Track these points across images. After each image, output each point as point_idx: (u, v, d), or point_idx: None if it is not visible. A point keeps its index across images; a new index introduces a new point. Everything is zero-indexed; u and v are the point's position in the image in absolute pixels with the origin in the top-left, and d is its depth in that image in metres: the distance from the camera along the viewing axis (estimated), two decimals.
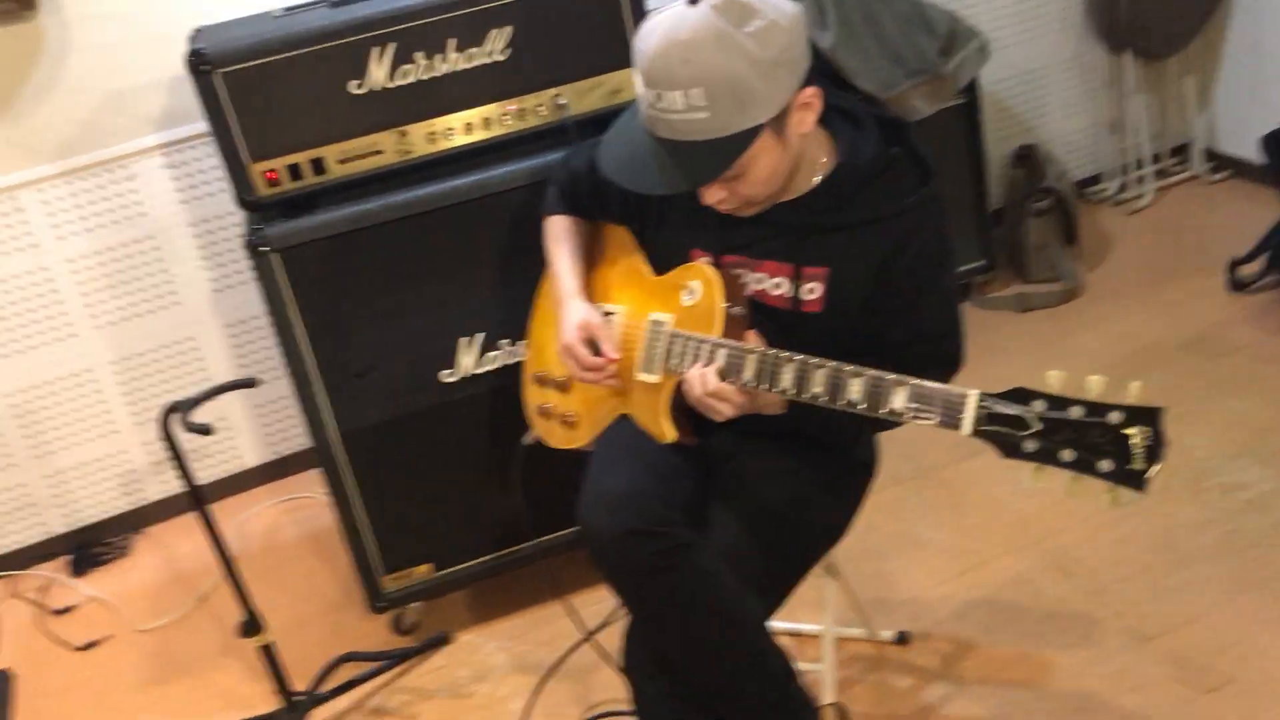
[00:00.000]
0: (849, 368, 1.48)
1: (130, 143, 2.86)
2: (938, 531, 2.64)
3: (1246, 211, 3.72)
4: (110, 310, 2.99)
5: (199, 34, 2.31)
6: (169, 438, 2.11)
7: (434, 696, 2.45)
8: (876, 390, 1.46)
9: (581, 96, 2.33)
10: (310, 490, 3.26)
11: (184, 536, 3.18)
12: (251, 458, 3.29)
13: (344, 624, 2.72)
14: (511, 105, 2.31)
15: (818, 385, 1.50)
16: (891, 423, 1.55)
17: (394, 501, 2.45)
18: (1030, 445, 1.36)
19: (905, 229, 1.61)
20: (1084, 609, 2.34)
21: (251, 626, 2.26)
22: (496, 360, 2.40)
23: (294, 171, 2.25)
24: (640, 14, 2.31)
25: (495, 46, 2.25)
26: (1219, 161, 4.02)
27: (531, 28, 2.25)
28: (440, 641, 2.58)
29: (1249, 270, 3.33)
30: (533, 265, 2.25)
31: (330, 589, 2.86)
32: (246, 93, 2.16)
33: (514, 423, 2.38)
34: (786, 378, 1.53)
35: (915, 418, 1.44)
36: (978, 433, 1.39)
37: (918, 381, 1.44)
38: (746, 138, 1.49)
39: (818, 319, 1.67)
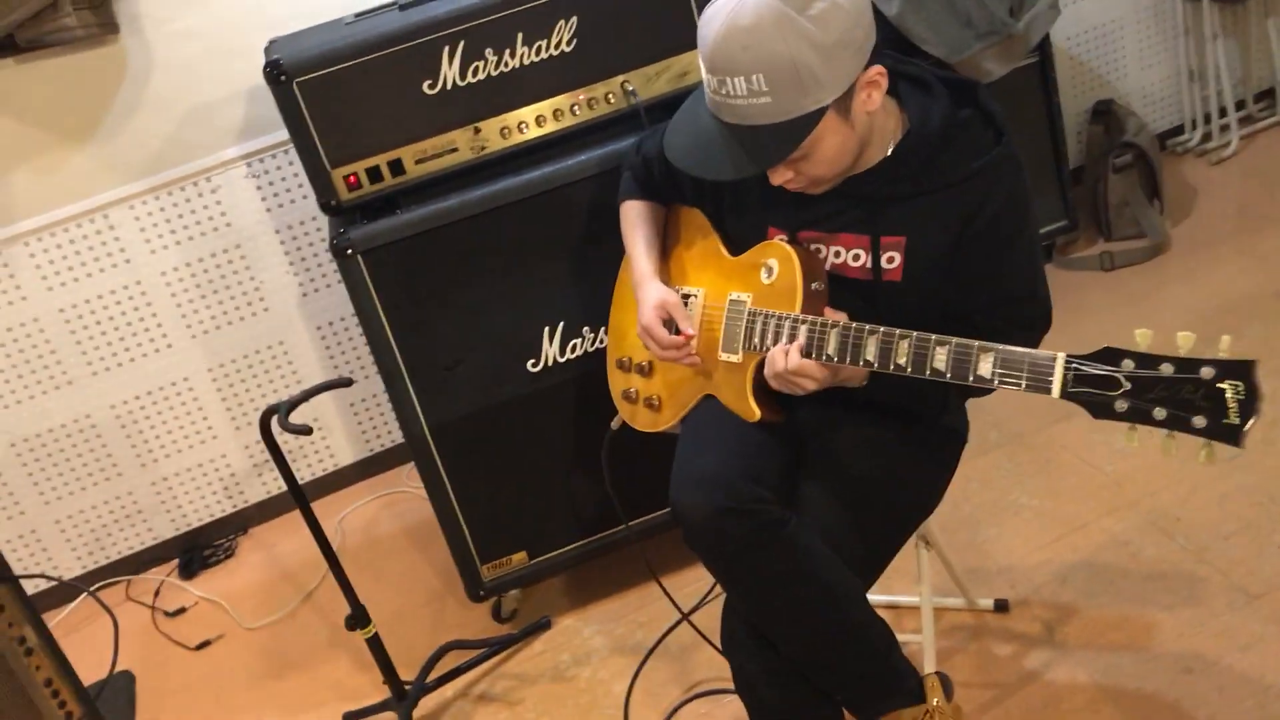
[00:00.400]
0: (933, 337, 1.48)
1: (213, 156, 2.94)
2: (1031, 497, 2.61)
3: None
4: (204, 320, 3.08)
5: (274, 45, 2.37)
6: (269, 439, 2.18)
7: (537, 682, 2.50)
8: (962, 358, 1.45)
9: (649, 82, 2.35)
10: (405, 484, 3.34)
11: (286, 535, 3.28)
12: (346, 455, 3.37)
13: (445, 614, 2.78)
14: (581, 95, 2.33)
15: (902, 356, 1.50)
16: (980, 390, 1.55)
17: (487, 492, 2.50)
18: (1122, 405, 1.35)
19: (981, 191, 1.60)
20: (1186, 568, 2.30)
21: (358, 619, 2.33)
22: (579, 348, 2.43)
23: (373, 174, 2.30)
24: None
25: (562, 38, 2.27)
26: None
27: (596, 16, 2.27)
28: (541, 627, 2.63)
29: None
30: (609, 252, 2.28)
31: (431, 580, 2.92)
32: (323, 100, 2.21)
33: (600, 408, 2.41)
34: (870, 350, 1.53)
35: (1003, 383, 1.43)
36: (1067, 395, 1.38)
37: (1004, 347, 1.43)
38: (811, 120, 1.50)
39: (899, 288, 1.67)
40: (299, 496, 2.25)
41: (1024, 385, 1.41)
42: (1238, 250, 3.31)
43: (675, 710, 2.31)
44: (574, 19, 2.26)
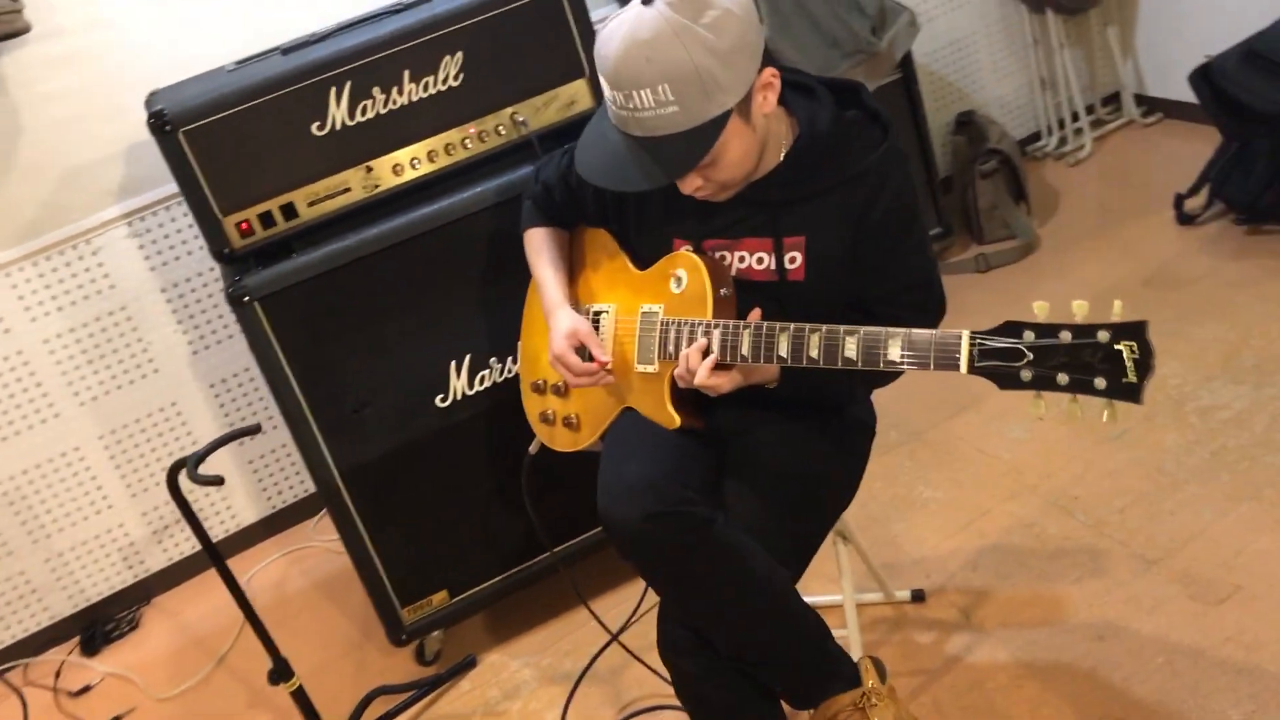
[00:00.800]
0: (842, 328, 1.54)
1: (92, 217, 2.88)
2: (936, 490, 2.70)
3: (1182, 149, 3.83)
4: (91, 385, 2.99)
5: (155, 96, 2.34)
6: (178, 495, 2.12)
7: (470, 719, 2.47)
8: (872, 345, 1.51)
9: (538, 112, 2.39)
10: (312, 538, 3.28)
11: (192, 601, 3.18)
12: (249, 514, 3.29)
13: (367, 662, 2.74)
14: (471, 128, 2.35)
15: (814, 349, 1.56)
16: (885, 375, 1.61)
17: (403, 533, 2.48)
18: (1026, 374, 1.42)
19: (873, 185, 1.68)
20: (1089, 542, 2.41)
21: (281, 673, 2.28)
22: (488, 379, 2.44)
23: (266, 219, 2.28)
24: (586, 25, 2.37)
25: (449, 73, 2.29)
26: (1149, 105, 4.14)
27: (482, 51, 2.30)
28: (467, 666, 2.60)
29: (1194, 204, 3.44)
30: (511, 282, 2.31)
31: (348, 630, 2.87)
32: (211, 147, 2.19)
33: (513, 438, 2.43)
34: (783, 346, 1.58)
35: (911, 364, 1.49)
36: (974, 370, 1.45)
37: (910, 330, 1.49)
38: (717, 125, 1.55)
39: (803, 287, 1.72)
40: (211, 551, 2.20)
41: (932, 364, 1.47)
42: (1104, 244, 3.49)
43: None
44: (459, 54, 2.29)
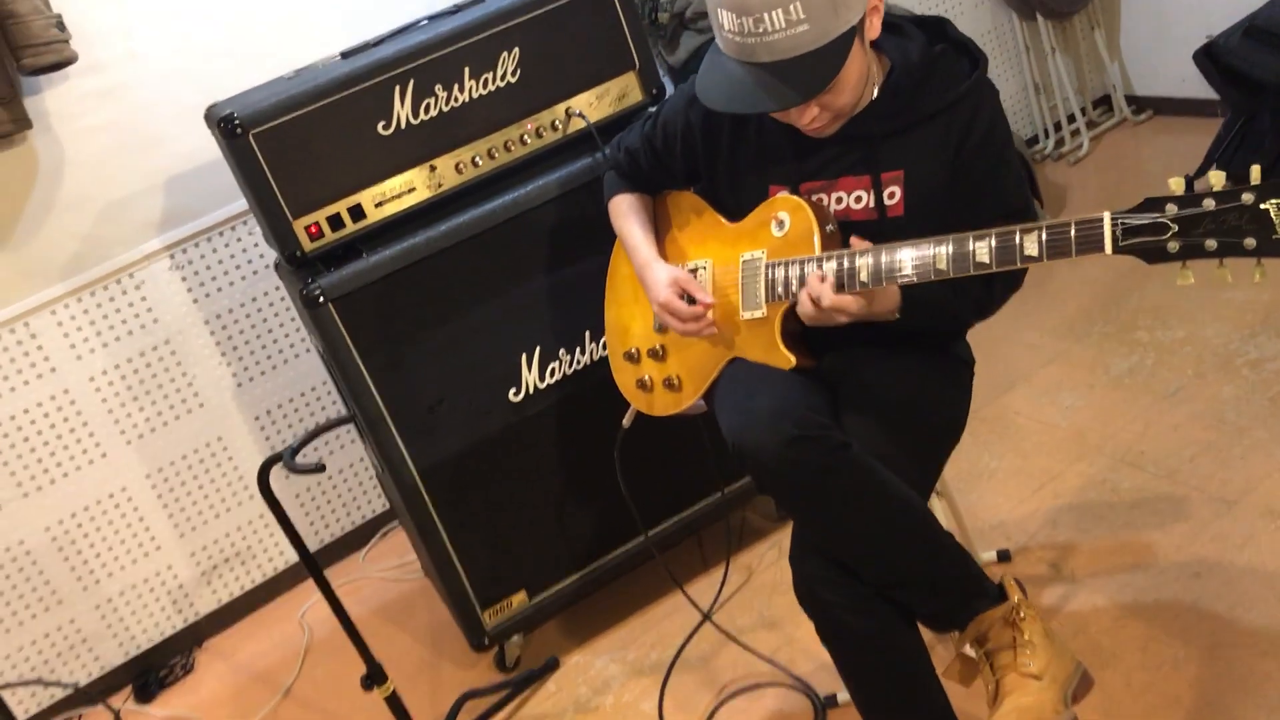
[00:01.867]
0: (970, 234, 1.56)
1: (134, 250, 2.87)
2: (1001, 460, 2.72)
3: (1178, 141, 3.95)
4: (138, 423, 2.96)
5: (217, 107, 2.35)
6: (269, 494, 2.10)
7: (561, 717, 2.43)
8: (1006, 244, 1.53)
9: (591, 106, 2.43)
10: (363, 570, 3.23)
11: (246, 641, 3.12)
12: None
13: (444, 677, 2.69)
14: (529, 124, 2.39)
15: (942, 262, 1.58)
16: (1008, 285, 1.66)
17: (481, 533, 2.46)
18: (1174, 245, 1.44)
19: (967, 114, 1.72)
20: (1166, 491, 2.43)
21: (374, 676, 2.23)
22: (559, 371, 2.44)
23: (334, 222, 2.29)
24: (635, 19, 2.43)
25: (507, 69, 2.33)
26: (1139, 104, 4.27)
27: (537, 46, 2.34)
28: (550, 668, 2.56)
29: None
30: (576, 273, 2.35)
31: (417, 651, 2.82)
32: (281, 150, 2.20)
33: (586, 430, 2.45)
34: (906, 265, 1.60)
35: (1053, 255, 1.51)
36: (1120, 249, 1.46)
37: (1049, 222, 1.52)
38: (845, 42, 1.58)
39: (903, 222, 1.75)
40: (304, 553, 2.16)
41: (1073, 250, 1.49)
42: None
43: (713, 713, 2.28)
44: (516, 50, 2.33)
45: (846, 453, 1.63)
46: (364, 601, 3.11)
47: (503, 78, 2.34)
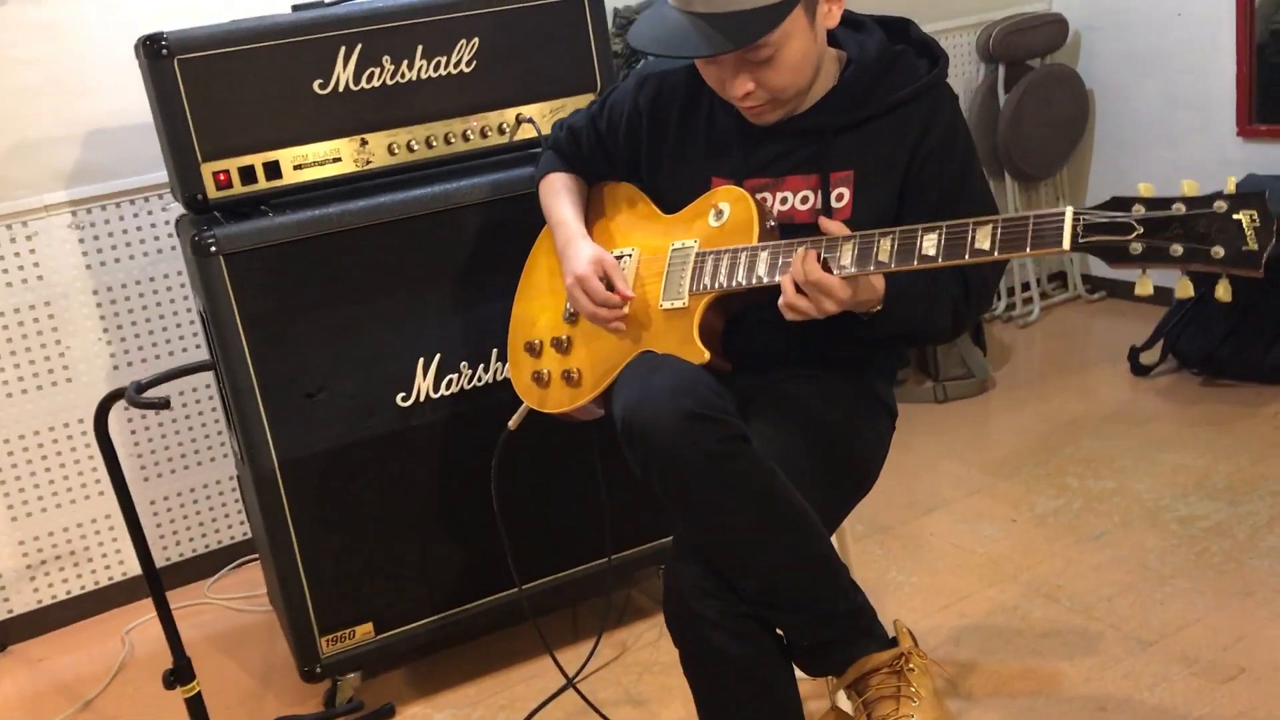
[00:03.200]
0: (920, 226, 1.43)
1: (36, 197, 2.68)
2: (909, 576, 2.54)
3: (1128, 324, 3.91)
4: None
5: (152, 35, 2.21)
6: (103, 434, 1.87)
7: None
8: (956, 236, 1.40)
9: (544, 118, 2.32)
10: (207, 596, 2.94)
11: (56, 651, 2.79)
12: (136, 564, 2.94)
13: (265, 712, 2.39)
14: (475, 121, 2.27)
15: (884, 253, 1.44)
16: (982, 287, 1.60)
17: (336, 547, 2.22)
18: (1137, 247, 1.32)
19: (926, 112, 1.62)
20: (1079, 624, 2.26)
21: (179, 674, 1.96)
22: (455, 384, 2.25)
23: (246, 174, 2.14)
24: (604, 40, 2.35)
25: (463, 57, 2.23)
26: (1094, 283, 4.27)
27: (498, 41, 2.25)
28: (387, 714, 2.29)
29: (1149, 357, 3.48)
30: (494, 284, 2.20)
31: (244, 681, 2.53)
32: (205, 84, 2.07)
33: (472, 457, 2.26)
34: (885, 249, 1.45)
35: (1006, 250, 1.38)
36: (1078, 246, 1.34)
37: (1005, 216, 1.39)
38: (784, 8, 1.50)
39: (849, 227, 1.62)
40: (131, 515, 1.92)
41: (1028, 245, 1.36)
42: (1059, 386, 3.49)
43: None
44: (475, 40, 2.23)
45: (744, 444, 1.47)
46: (199, 626, 2.81)
47: (456, 65, 2.23)
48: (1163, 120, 3.87)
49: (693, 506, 1.48)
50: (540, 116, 2.32)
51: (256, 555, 3.04)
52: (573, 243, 1.80)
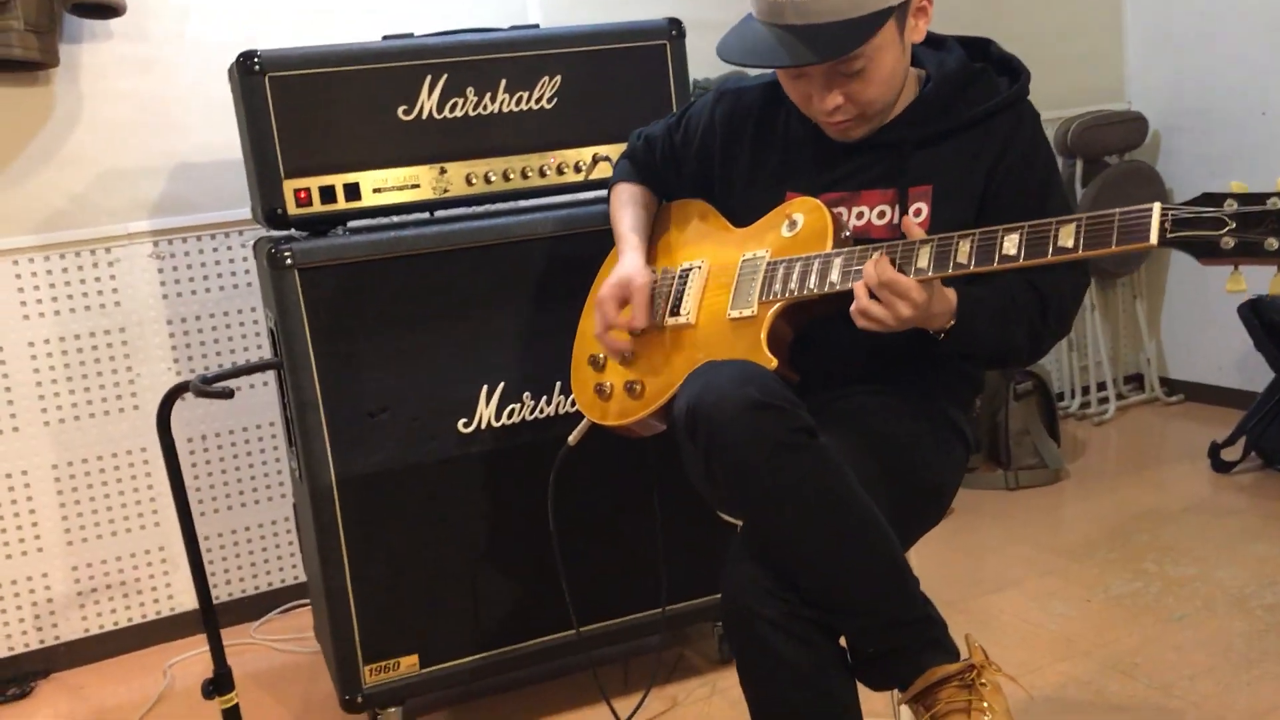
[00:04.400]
0: (1001, 227, 1.41)
1: (120, 225, 2.75)
2: None
3: (1207, 427, 3.80)
4: (64, 405, 2.75)
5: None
6: (165, 426, 1.88)
7: None
8: (1039, 234, 1.38)
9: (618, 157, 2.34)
10: (253, 637, 2.91)
11: (100, 682, 2.76)
12: (189, 600, 2.93)
13: None
14: (552, 158, 2.30)
15: (963, 254, 1.41)
16: (1060, 310, 1.57)
17: (387, 572, 2.19)
18: (1229, 242, 1.28)
19: (1007, 128, 1.61)
20: (1157, 700, 2.14)
21: (219, 683, 1.92)
22: (517, 414, 2.24)
23: (326, 194, 2.17)
24: (683, 83, 2.38)
25: (545, 93, 2.27)
26: (1171, 386, 4.17)
27: (580, 80, 2.29)
28: None
29: (1230, 454, 3.37)
30: (559, 316, 2.17)
31: (281, 715, 2.47)
32: (293, 102, 2.12)
33: (532, 489, 2.21)
34: (964, 250, 1.42)
35: (1091, 247, 1.34)
36: (1166, 241, 1.30)
37: (1089, 214, 1.36)
38: (879, 19, 1.50)
39: None
40: (187, 522, 1.91)
41: (1114, 240, 1.33)
42: (1136, 480, 3.39)
43: None
44: (558, 78, 2.28)
45: (814, 438, 1.43)
46: (242, 664, 2.76)
47: (537, 101, 2.27)
48: None
49: (756, 499, 1.43)
50: (616, 158, 2.34)
51: (307, 600, 3.01)
52: (622, 256, 1.82)
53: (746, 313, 1.64)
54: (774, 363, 1.57)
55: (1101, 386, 4.11)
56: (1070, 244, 1.36)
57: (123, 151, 2.74)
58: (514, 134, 2.26)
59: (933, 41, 1.70)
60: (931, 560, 2.90)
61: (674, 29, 2.36)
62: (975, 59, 1.68)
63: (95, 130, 2.71)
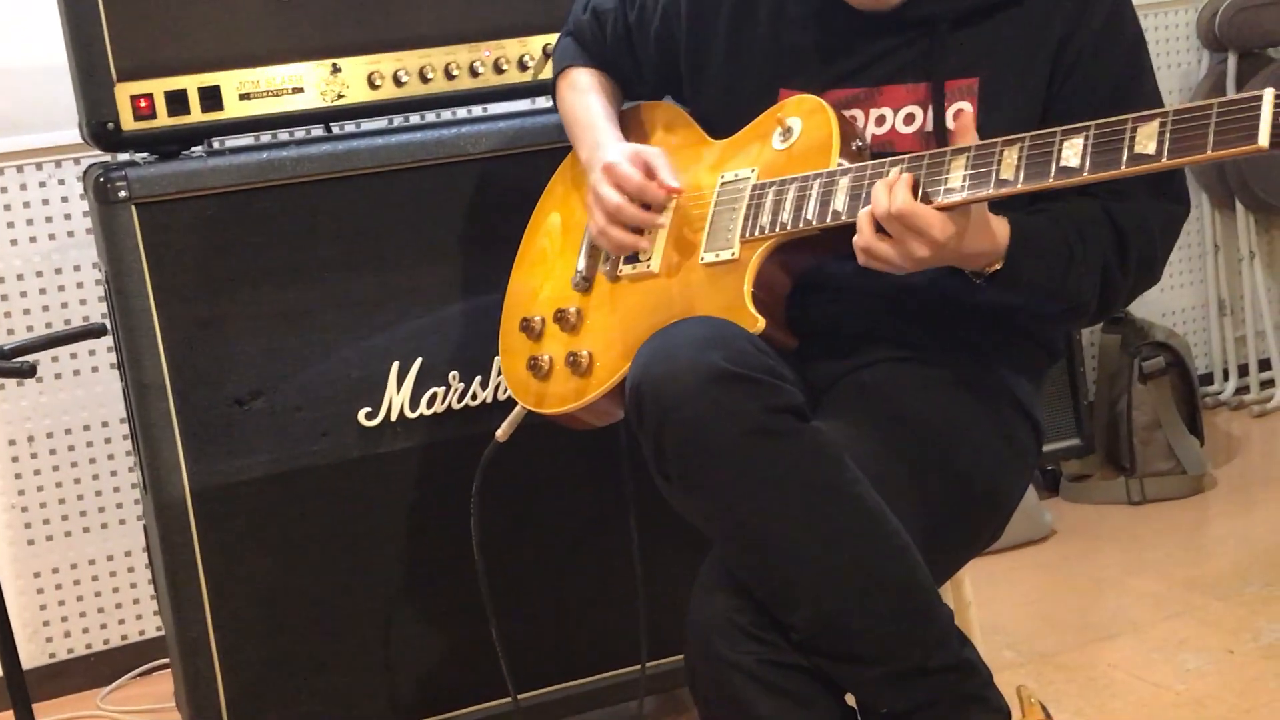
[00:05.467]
0: (1060, 129, 1.39)
1: None
2: (1074, 717, 2.43)
3: None
4: None
5: None
6: None
7: None
8: (1109, 137, 1.35)
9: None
10: (99, 708, 2.93)
11: None
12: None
13: None
14: (486, 50, 2.29)
15: (1010, 163, 1.39)
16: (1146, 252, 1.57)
17: (259, 615, 2.19)
18: None
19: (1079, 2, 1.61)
20: None
21: None
22: (440, 400, 2.23)
23: (176, 101, 2.17)
24: None
25: None
26: None
27: None
28: None
29: None
30: (501, 267, 2.16)
31: None
32: None
33: (461, 502, 2.20)
34: (1009, 162, 1.40)
35: (1178, 151, 1.32)
36: None
37: (1178, 106, 1.35)
38: None
39: None
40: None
41: (1210, 143, 1.30)
42: None
43: None
44: None
45: (799, 420, 1.43)
46: None
47: None
48: None
49: (722, 502, 1.43)
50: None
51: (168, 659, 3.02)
52: (603, 146, 1.80)
53: (725, 255, 1.64)
54: (760, 323, 1.56)
55: (1265, 365, 4.08)
56: (1151, 149, 1.33)
57: None
58: (436, 18, 2.26)
59: None
60: (1018, 599, 2.94)
61: None
62: None
63: None
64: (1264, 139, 1.28)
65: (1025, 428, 1.69)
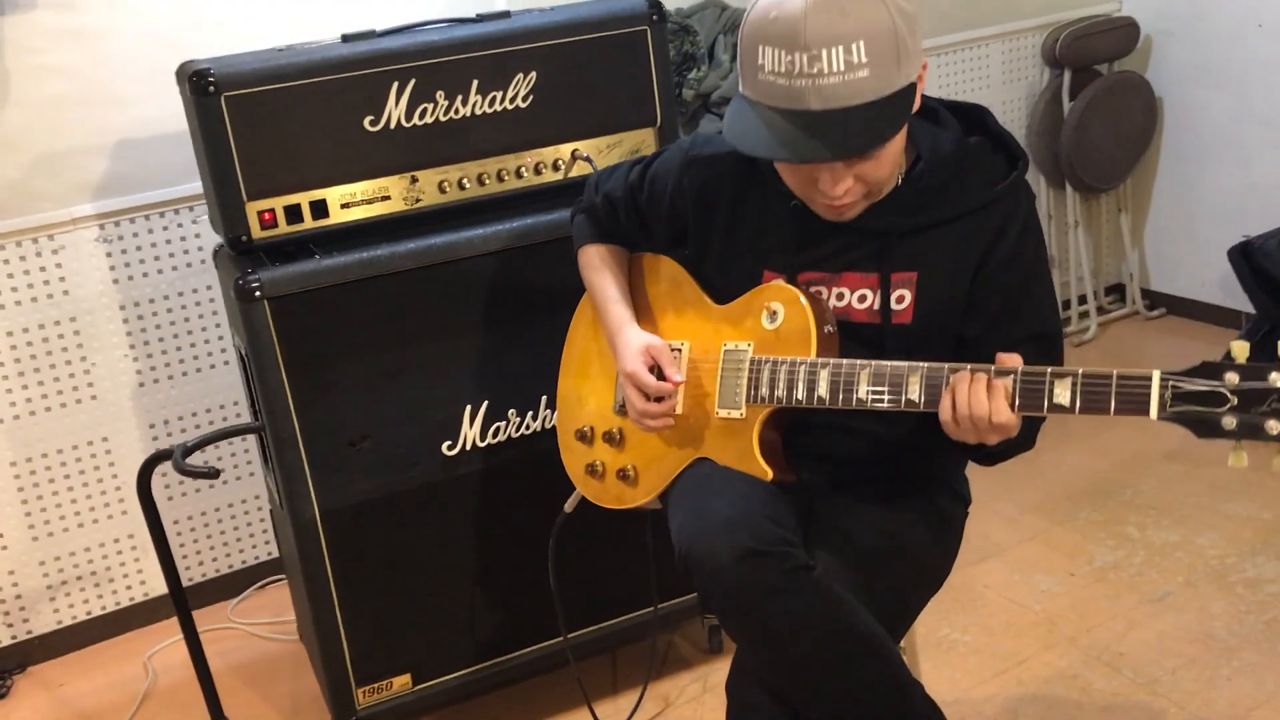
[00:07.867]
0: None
1: (63, 211, 2.68)
2: (963, 634, 2.56)
3: (1188, 344, 3.92)
4: (17, 401, 2.73)
5: (191, 63, 2.20)
6: (147, 497, 1.90)
7: None
8: (1033, 384, 1.42)
9: (601, 154, 2.32)
10: (231, 620, 2.99)
11: (77, 675, 2.84)
12: (160, 584, 2.98)
13: None
14: (529, 158, 2.27)
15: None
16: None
17: (376, 597, 2.25)
18: (1230, 421, 1.33)
19: (1000, 218, 1.60)
20: (1142, 700, 2.29)
21: None
22: (503, 432, 2.27)
23: (292, 213, 2.15)
24: (666, 74, 2.34)
25: (519, 92, 2.23)
26: (1153, 299, 4.26)
27: (557, 76, 2.24)
28: None
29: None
30: (545, 329, 2.18)
31: (272, 718, 2.57)
32: (252, 121, 2.07)
33: (519, 507, 2.29)
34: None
35: (1089, 408, 1.39)
36: (1167, 415, 1.35)
37: (1086, 370, 1.40)
38: (905, 100, 1.47)
39: (909, 331, 1.62)
40: (173, 579, 1.95)
41: (1112, 408, 1.37)
42: (1117, 419, 3.48)
43: None
44: (533, 75, 2.23)
45: (806, 575, 1.48)
46: (223, 654, 2.85)
47: (513, 100, 2.23)
48: (1234, 135, 3.84)
49: (755, 641, 1.50)
50: (596, 152, 2.32)
51: (283, 576, 3.08)
52: (620, 331, 1.80)
53: (735, 415, 1.66)
54: (769, 474, 1.61)
55: (1083, 299, 4.18)
56: (1066, 402, 1.40)
57: (59, 131, 2.65)
58: (489, 136, 2.23)
59: (926, 110, 1.64)
60: None
61: (654, 12, 2.31)
62: (971, 131, 1.65)
63: (27, 110, 2.61)
64: (1154, 412, 1.35)
65: (961, 513, 1.77)
